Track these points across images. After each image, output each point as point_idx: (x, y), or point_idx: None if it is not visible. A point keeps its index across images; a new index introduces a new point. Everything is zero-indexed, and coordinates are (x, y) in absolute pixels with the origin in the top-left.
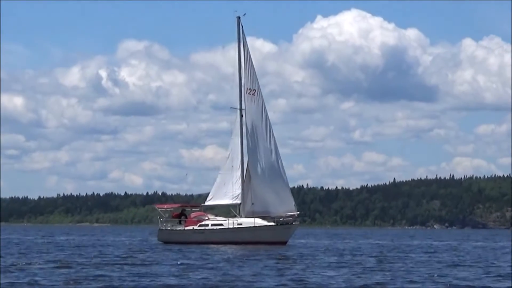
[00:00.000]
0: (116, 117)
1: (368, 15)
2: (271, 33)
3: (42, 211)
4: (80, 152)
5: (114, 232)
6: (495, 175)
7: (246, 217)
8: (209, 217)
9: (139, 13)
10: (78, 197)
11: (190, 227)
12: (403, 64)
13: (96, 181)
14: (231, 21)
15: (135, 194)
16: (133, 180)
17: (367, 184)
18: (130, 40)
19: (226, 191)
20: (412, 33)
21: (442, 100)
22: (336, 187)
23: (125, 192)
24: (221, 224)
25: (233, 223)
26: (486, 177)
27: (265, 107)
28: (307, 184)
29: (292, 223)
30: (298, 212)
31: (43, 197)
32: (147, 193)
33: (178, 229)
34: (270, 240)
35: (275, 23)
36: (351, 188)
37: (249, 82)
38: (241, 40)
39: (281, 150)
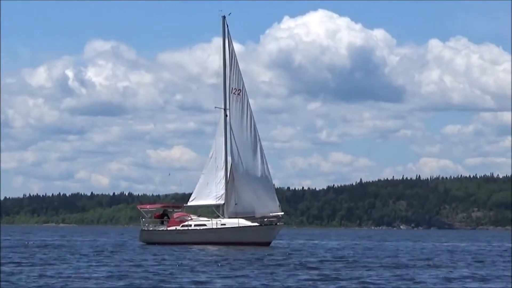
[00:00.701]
0: (82, 117)
1: (335, 15)
2: (238, 33)
3: (8, 211)
4: (47, 152)
5: (82, 232)
6: (461, 175)
7: (229, 217)
8: (192, 217)
9: (106, 13)
10: (44, 197)
11: (173, 228)
12: (370, 64)
13: (63, 181)
14: (200, 21)
15: (102, 195)
16: (100, 181)
17: (333, 185)
18: (97, 40)
19: (210, 192)
20: (379, 34)
21: (409, 100)
22: (303, 188)
23: (92, 193)
24: (204, 225)
25: (216, 223)
26: (452, 177)
27: (250, 107)
28: (274, 185)
29: (276, 224)
30: (283, 213)
31: (9, 197)
32: (114, 193)
33: (160, 229)
34: (254, 240)
35: (242, 23)
36: (317, 189)
37: (235, 82)
38: (226, 39)
39: None
